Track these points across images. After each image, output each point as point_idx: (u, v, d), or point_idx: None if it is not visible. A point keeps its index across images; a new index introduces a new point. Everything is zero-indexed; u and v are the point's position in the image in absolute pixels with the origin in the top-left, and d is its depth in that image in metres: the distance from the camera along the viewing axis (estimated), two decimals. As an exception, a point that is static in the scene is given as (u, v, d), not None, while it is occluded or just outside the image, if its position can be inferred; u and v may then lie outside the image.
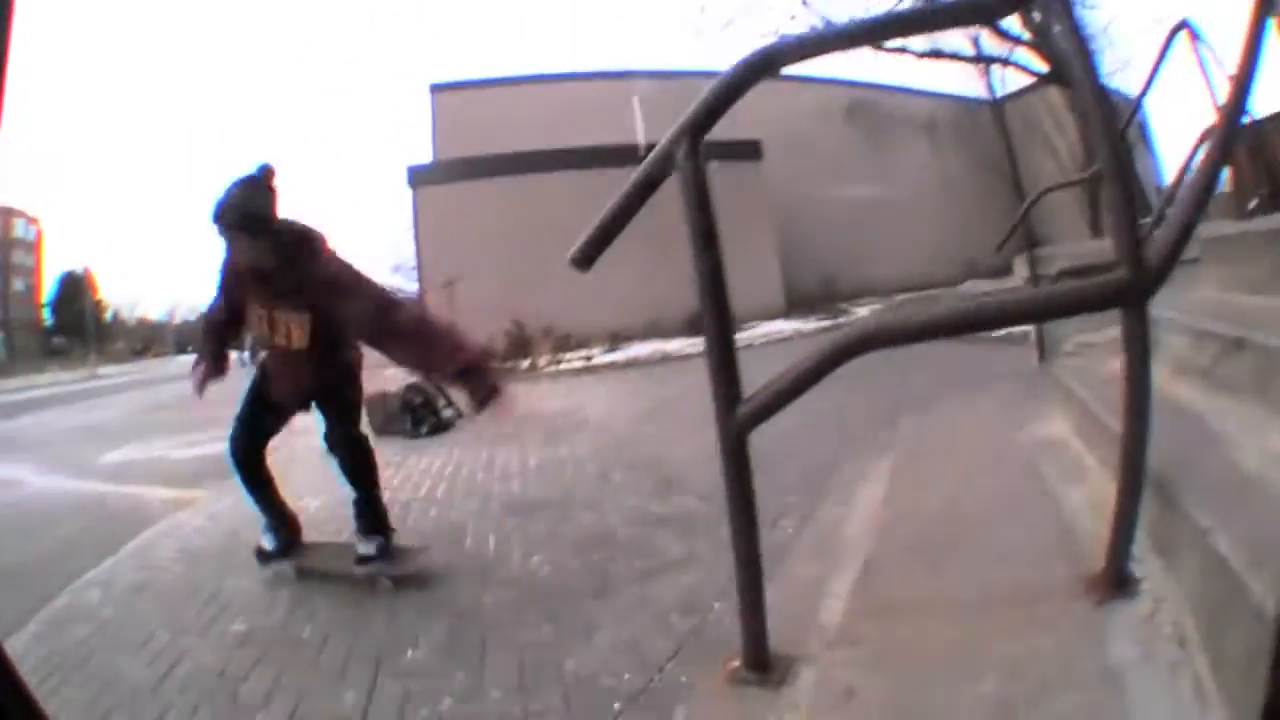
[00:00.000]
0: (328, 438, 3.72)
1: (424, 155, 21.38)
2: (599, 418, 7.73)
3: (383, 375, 8.33)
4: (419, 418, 7.82)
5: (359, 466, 3.72)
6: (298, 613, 3.40)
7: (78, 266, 75.49)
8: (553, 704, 2.35)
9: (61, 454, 10.85)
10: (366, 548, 3.66)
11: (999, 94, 25.27)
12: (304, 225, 3.38)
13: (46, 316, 75.11)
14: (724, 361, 1.78)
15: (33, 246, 74.40)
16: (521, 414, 8.48)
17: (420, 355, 3.28)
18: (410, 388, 7.91)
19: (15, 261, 71.66)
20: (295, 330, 3.37)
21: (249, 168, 3.33)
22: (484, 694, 2.47)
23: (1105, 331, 3.98)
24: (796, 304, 18.98)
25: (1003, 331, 8.30)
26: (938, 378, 6.41)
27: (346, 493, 3.87)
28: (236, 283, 3.49)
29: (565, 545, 3.84)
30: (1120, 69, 16.68)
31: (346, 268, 3.38)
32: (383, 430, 7.87)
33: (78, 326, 66.77)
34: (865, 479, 3.62)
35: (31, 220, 73.63)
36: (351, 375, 3.76)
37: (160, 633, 3.35)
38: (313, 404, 3.77)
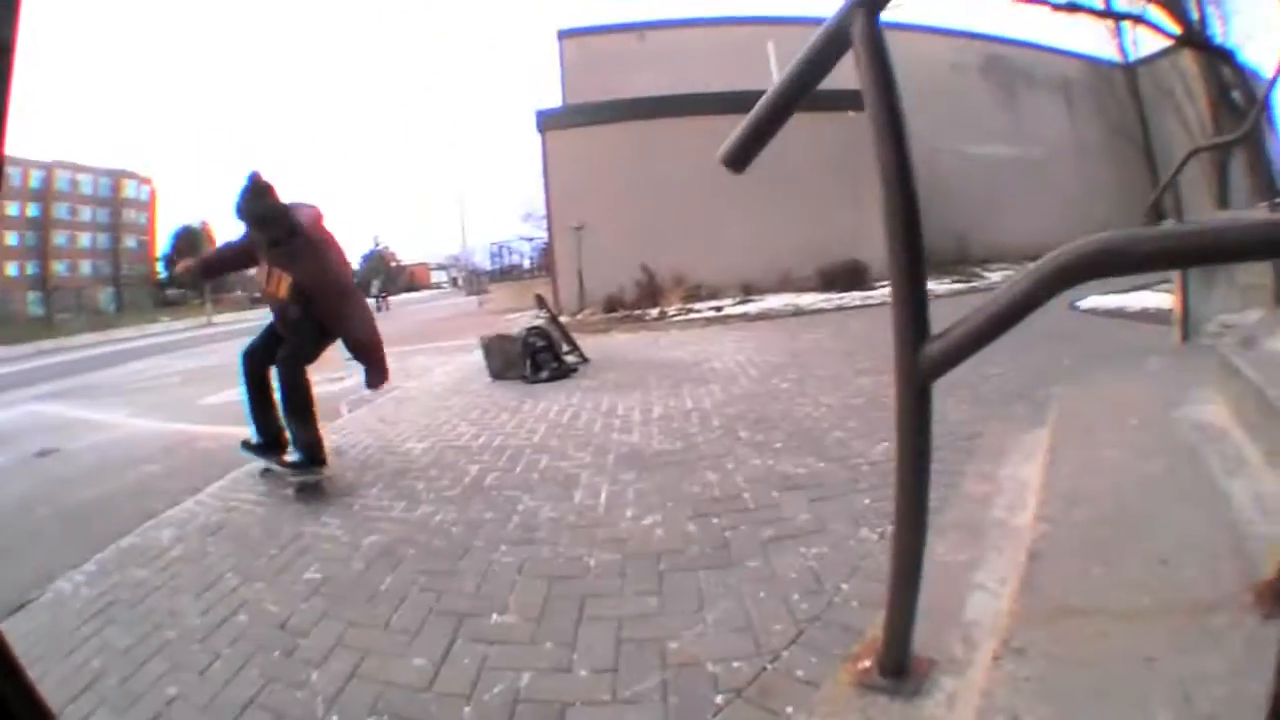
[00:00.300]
0: (276, 358, 4.66)
1: (554, 101, 21.28)
2: (727, 369, 7.26)
3: (504, 319, 8.17)
4: (539, 362, 7.52)
5: (287, 393, 4.56)
6: (380, 564, 3.15)
7: (195, 221, 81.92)
8: (646, 690, 2.01)
9: (159, 399, 11.12)
10: (291, 456, 4.65)
11: (1131, 57, 24.92)
12: (294, 214, 4.58)
13: (160, 270, 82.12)
14: (911, 287, 1.48)
15: (146, 205, 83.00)
16: (649, 360, 8.32)
17: (340, 329, 4.75)
18: (532, 330, 7.66)
19: (128, 220, 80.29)
20: (281, 284, 4.58)
21: (243, 177, 4.50)
22: (571, 671, 2.15)
23: (1248, 313, 3.99)
24: (929, 264, 18.02)
25: (1138, 307, 7.62)
26: (1076, 350, 5.94)
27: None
28: (252, 244, 4.76)
29: (683, 505, 3.44)
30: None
31: (318, 249, 4.62)
32: (502, 374, 7.71)
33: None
34: (1011, 452, 3.31)
35: (144, 180, 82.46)
36: (317, 328, 4.69)
37: (228, 577, 3.19)
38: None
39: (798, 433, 4.51)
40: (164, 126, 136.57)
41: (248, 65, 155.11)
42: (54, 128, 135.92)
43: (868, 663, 1.61)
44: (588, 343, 9.43)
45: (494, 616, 2.53)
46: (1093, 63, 25.62)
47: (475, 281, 45.44)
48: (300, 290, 4.54)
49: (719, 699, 1.91)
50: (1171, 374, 4.04)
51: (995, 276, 16.35)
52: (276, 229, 4.51)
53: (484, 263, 50.26)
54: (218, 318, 35.61)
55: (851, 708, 1.53)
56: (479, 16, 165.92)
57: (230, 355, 18.14)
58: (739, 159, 1.74)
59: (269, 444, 4.87)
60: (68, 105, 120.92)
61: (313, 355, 4.75)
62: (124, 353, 29.79)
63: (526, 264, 37.63)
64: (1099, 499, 2.42)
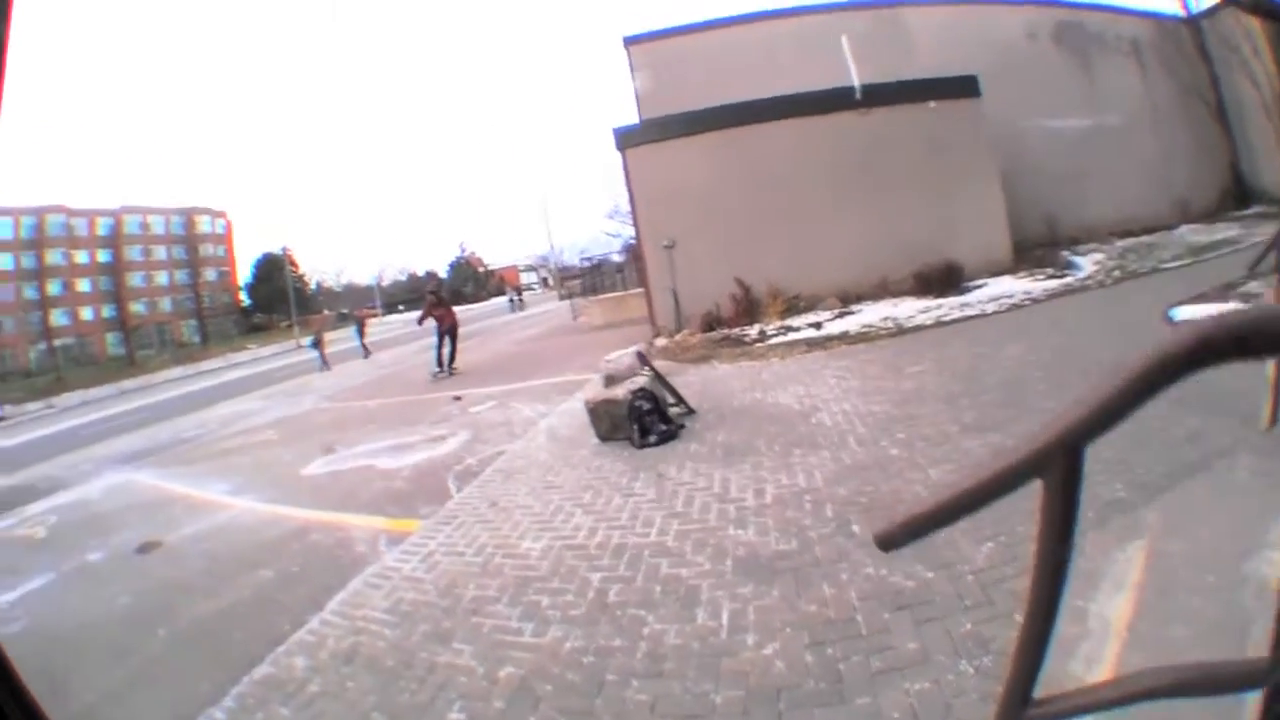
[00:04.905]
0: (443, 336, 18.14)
1: (629, 111, 21.48)
2: (835, 425, 7.13)
3: (600, 340, 8.23)
4: (646, 425, 7.60)
5: (452, 344, 18.23)
6: (519, 702, 3.34)
7: (276, 248, 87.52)
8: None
9: (257, 464, 11.39)
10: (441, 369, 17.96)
11: (1193, 10, 24.57)
12: (444, 292, 20.91)
13: (244, 298, 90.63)
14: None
15: (222, 238, 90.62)
16: (755, 408, 8.36)
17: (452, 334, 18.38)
18: (638, 393, 7.73)
19: (206, 254, 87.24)
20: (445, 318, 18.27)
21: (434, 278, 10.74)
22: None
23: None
24: (1020, 253, 17.82)
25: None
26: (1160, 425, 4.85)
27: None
28: (430, 304, 18.64)
29: (800, 630, 3.54)
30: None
31: (448, 308, 18.77)
32: (609, 436, 7.86)
33: (279, 302, 78.92)
34: (1103, 578, 3.07)
35: (217, 214, 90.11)
36: (452, 330, 18.20)
37: (375, 717, 3.40)
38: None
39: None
40: (237, 154, 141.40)
41: (314, 79, 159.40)
42: (121, 172, 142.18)
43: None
44: (689, 375, 9.50)
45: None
46: (1158, 19, 24.90)
47: (566, 284, 46.79)
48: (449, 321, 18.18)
49: None
50: (1256, 489, 3.81)
51: (1083, 261, 15.90)
52: (437, 298, 18.65)
53: (572, 260, 52.08)
54: (305, 339, 36.67)
55: None
56: (551, 20, 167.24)
57: (321, 390, 19.12)
58: (895, 543, 1.65)
59: (442, 366, 17.76)
60: (134, 147, 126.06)
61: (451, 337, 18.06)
62: (212, 390, 30.84)
63: (616, 258, 37.98)
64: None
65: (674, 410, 8.19)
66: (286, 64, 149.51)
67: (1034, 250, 17.99)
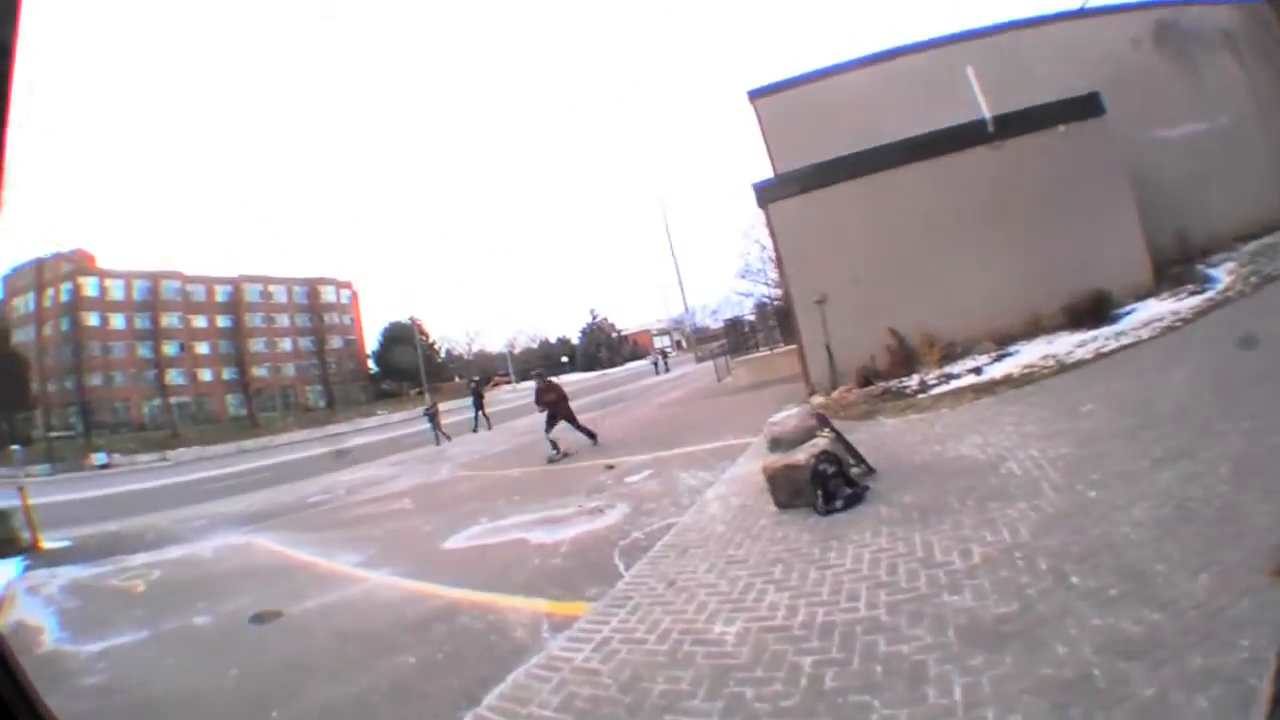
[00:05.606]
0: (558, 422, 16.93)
1: (752, 167, 21.86)
2: (1025, 473, 6.65)
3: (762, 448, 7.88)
4: (831, 490, 7.12)
5: (579, 429, 17.16)
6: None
7: (404, 316, 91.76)
8: None
9: (391, 535, 11.12)
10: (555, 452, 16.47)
11: None
12: (552, 381, 18.93)
13: (372, 365, 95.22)
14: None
15: (348, 307, 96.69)
16: (937, 463, 7.96)
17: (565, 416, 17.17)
18: (821, 456, 7.26)
19: (331, 322, 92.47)
20: (554, 399, 17.20)
21: (540, 372, 20.08)
22: None
23: None
24: (1156, 271, 17.01)
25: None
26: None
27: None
28: (541, 389, 17.55)
29: (1039, 697, 3.26)
30: None
31: (559, 390, 17.86)
32: (789, 503, 7.40)
33: (408, 369, 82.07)
34: None
35: (342, 285, 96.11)
36: (561, 407, 17.12)
37: None
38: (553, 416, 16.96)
39: (1123, 569, 4.25)
40: (366, 226, 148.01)
41: (445, 151, 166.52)
42: (244, 245, 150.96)
43: None
44: (858, 433, 9.02)
45: None
46: (1241, 4, 23.78)
47: (701, 345, 47.91)
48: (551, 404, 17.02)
49: None
50: None
51: (1225, 277, 15.31)
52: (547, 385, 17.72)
53: (704, 322, 52.91)
54: (440, 405, 37.10)
55: None
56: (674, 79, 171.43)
57: (455, 457, 18.83)
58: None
59: (556, 452, 16.23)
60: (258, 221, 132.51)
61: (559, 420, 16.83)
62: (339, 455, 31.22)
63: (750, 316, 38.29)
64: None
65: (854, 471, 7.66)
66: (418, 135, 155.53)
67: (1170, 268, 17.27)
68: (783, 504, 7.41)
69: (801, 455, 7.34)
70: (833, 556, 5.80)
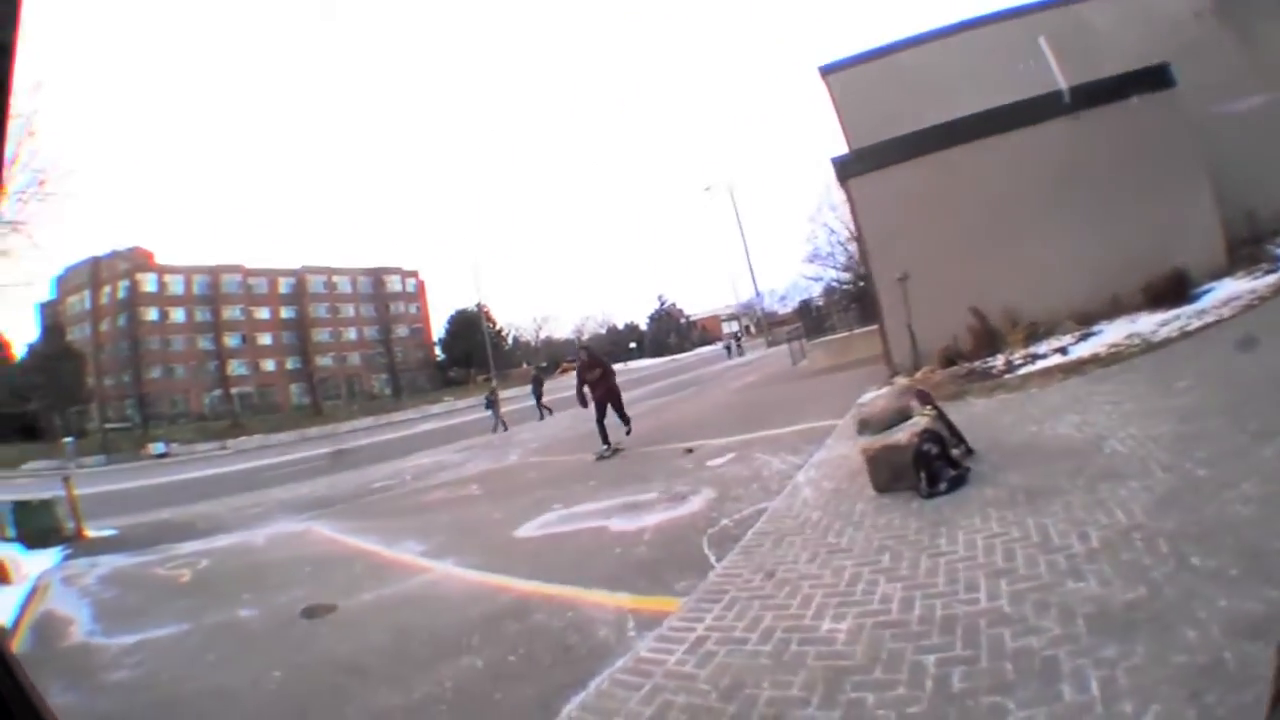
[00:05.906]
0: (612, 413, 15.22)
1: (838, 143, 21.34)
2: (1131, 453, 6.33)
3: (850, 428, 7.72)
4: (935, 471, 6.79)
5: (620, 416, 15.37)
6: None
7: (470, 304, 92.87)
8: None
9: (459, 522, 10.84)
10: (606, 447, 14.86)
11: None
12: (598, 354, 17.06)
13: (439, 353, 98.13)
14: None
15: (415, 296, 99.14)
16: (1036, 443, 7.66)
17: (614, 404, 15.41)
18: (925, 435, 6.93)
19: (397, 311, 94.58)
20: (597, 382, 15.31)
21: (587, 350, 17.02)
22: None
23: None
24: (1228, 251, 16.53)
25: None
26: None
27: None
28: (583, 367, 15.64)
29: (1176, 687, 3.06)
30: None
31: (606, 367, 15.92)
32: (888, 486, 7.08)
33: (476, 356, 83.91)
34: None
35: (408, 274, 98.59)
36: (610, 394, 15.26)
37: None
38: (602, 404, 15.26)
39: (1239, 549, 4.05)
40: (433, 215, 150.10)
41: (512, 143, 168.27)
42: (313, 237, 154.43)
43: None
44: (950, 414, 8.73)
45: None
46: None
47: (772, 329, 48.26)
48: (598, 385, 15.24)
49: None
50: None
51: None
52: (599, 366, 15.71)
53: (773, 307, 52.79)
54: (504, 392, 37.03)
55: None
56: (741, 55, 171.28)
57: (528, 455, 18.59)
58: None
59: (607, 446, 14.55)
60: (329, 212, 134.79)
61: (608, 408, 15.08)
62: (406, 440, 31.40)
63: (820, 302, 38.37)
64: None
65: (954, 452, 7.29)
66: (487, 123, 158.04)
67: (1240, 248, 16.75)
68: (882, 487, 7.09)
69: (903, 435, 7.03)
70: (943, 543, 5.45)
